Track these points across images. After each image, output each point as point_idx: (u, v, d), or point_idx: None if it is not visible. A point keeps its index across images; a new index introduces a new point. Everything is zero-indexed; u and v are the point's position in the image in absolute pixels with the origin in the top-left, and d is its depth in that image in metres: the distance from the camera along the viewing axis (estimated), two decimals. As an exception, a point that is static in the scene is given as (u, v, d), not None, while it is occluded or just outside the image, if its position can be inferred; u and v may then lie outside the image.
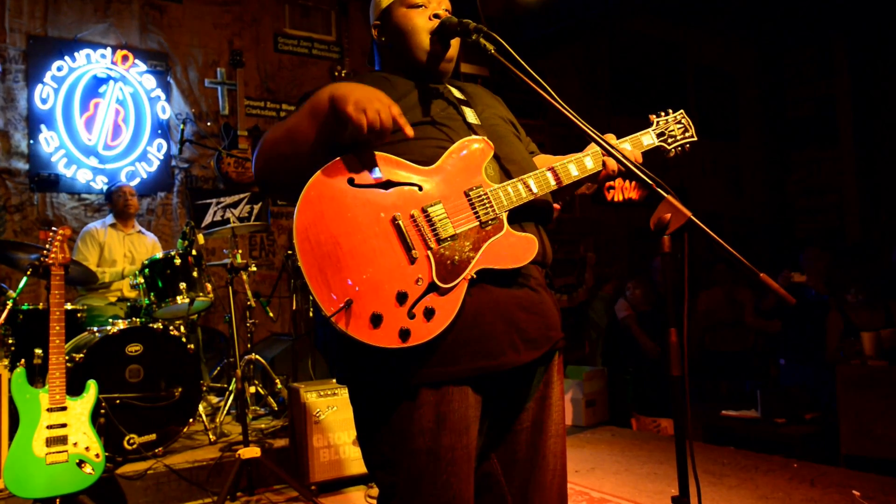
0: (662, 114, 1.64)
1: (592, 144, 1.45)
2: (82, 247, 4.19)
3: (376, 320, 1.15)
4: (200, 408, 3.57)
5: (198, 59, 5.42)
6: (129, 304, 3.99)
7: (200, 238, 3.83)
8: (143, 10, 5.20)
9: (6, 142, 4.66)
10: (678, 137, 1.63)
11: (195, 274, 3.72)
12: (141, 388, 3.25)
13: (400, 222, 1.21)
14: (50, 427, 2.60)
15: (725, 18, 7.97)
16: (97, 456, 2.68)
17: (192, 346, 3.51)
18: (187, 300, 3.64)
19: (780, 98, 8.89)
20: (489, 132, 1.40)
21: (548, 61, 6.74)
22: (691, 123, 1.66)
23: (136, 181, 4.99)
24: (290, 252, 4.50)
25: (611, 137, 1.51)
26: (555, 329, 1.37)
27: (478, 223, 1.27)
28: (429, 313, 1.18)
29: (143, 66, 5.12)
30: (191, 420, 3.41)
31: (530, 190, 1.34)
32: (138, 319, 3.54)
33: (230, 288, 3.47)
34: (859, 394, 3.94)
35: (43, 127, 4.73)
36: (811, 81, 8.58)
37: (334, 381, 3.41)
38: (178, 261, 3.68)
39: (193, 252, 3.77)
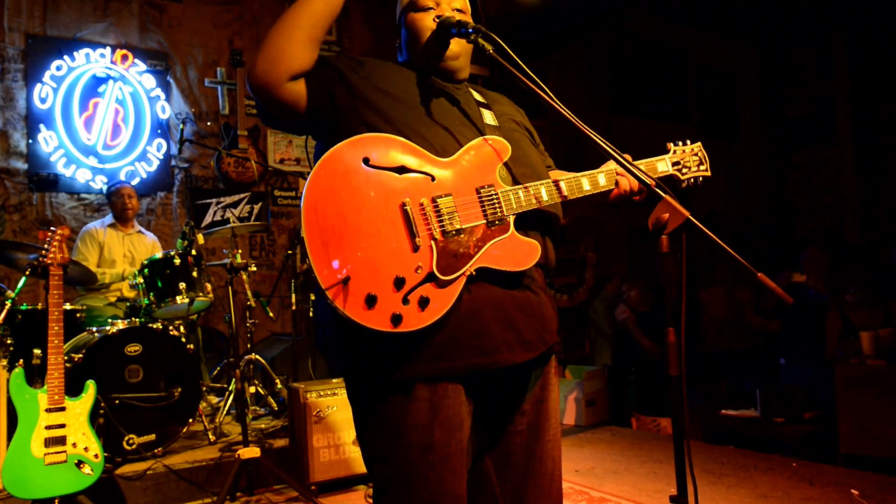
0: (680, 143, 1.66)
1: (610, 162, 1.45)
2: (82, 247, 4.19)
3: (370, 301, 1.15)
4: (200, 408, 3.57)
5: (198, 59, 5.42)
6: (128, 304, 3.99)
7: (200, 238, 3.83)
8: (143, 9, 5.20)
9: (5, 141, 4.65)
10: (693, 169, 1.64)
11: (195, 274, 3.72)
12: (140, 388, 3.25)
13: (408, 208, 1.22)
14: (49, 427, 2.60)
15: (725, 18, 7.97)
16: (96, 456, 2.68)
17: (192, 346, 3.51)
18: (187, 300, 3.63)
19: (780, 98, 8.89)
20: (505, 136, 1.41)
21: (548, 61, 6.74)
22: (707, 158, 1.67)
23: (136, 181, 4.99)
24: (290, 252, 4.50)
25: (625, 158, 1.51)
26: (550, 332, 1.38)
27: (485, 222, 1.28)
28: (423, 302, 1.19)
29: (142, 66, 5.12)
30: (190, 420, 3.41)
31: (541, 197, 1.35)
32: (138, 319, 3.54)
33: (230, 288, 3.47)
34: (858, 393, 3.95)
35: (42, 126, 4.73)
36: (811, 81, 8.58)
37: (334, 381, 3.42)
38: (177, 261, 3.68)
39: (193, 252, 3.76)
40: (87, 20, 4.98)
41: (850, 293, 4.64)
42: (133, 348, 3.28)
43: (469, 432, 1.30)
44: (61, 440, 2.61)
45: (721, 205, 8.27)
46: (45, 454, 2.57)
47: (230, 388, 3.92)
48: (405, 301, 1.18)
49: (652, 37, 7.90)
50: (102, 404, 3.04)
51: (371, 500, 3.10)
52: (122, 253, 4.28)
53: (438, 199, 1.25)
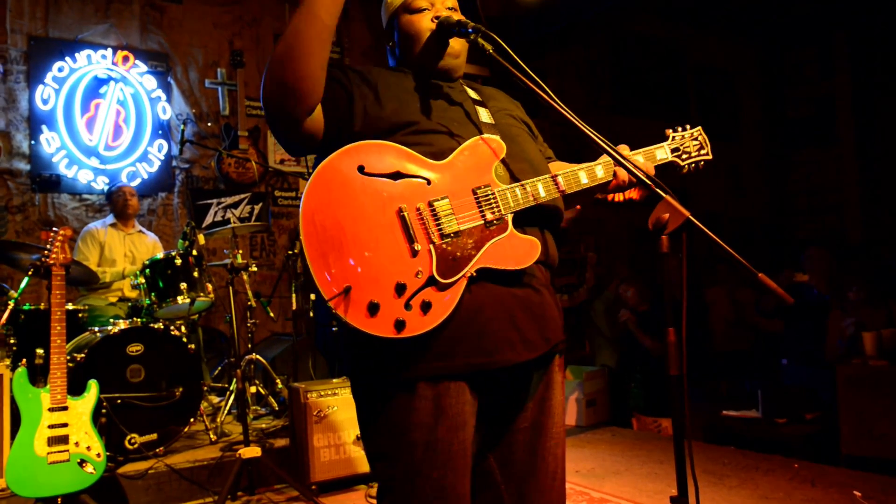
0: (679, 129, 1.63)
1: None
2: (83, 247, 4.20)
3: (373, 309, 1.16)
4: (201, 407, 3.58)
5: (198, 60, 5.42)
6: (129, 304, 3.99)
7: (201, 238, 3.83)
8: (144, 10, 5.20)
9: (8, 143, 4.66)
10: (693, 154, 1.62)
11: (196, 274, 3.73)
12: (142, 387, 3.26)
13: (405, 214, 1.22)
14: (51, 427, 2.61)
15: (725, 18, 7.97)
16: (98, 455, 2.69)
17: (193, 346, 3.51)
18: (188, 300, 3.64)
19: (780, 98, 8.89)
20: (503, 132, 1.41)
21: (548, 61, 6.74)
22: (707, 141, 1.64)
23: (137, 181, 4.99)
24: (290, 252, 4.50)
25: (624, 148, 1.50)
26: (554, 331, 1.37)
27: (482, 222, 1.28)
28: (425, 307, 1.19)
29: (143, 67, 5.13)
30: (192, 420, 3.42)
31: (538, 193, 1.34)
32: (139, 319, 3.55)
33: (231, 288, 3.47)
34: (860, 394, 3.94)
35: (44, 128, 4.74)
36: (811, 81, 8.57)
37: (335, 381, 3.42)
38: (178, 261, 3.69)
39: (194, 252, 3.77)
40: (88, 22, 5.00)
41: (853, 293, 4.63)
42: (135, 348, 3.29)
43: (473, 431, 1.30)
44: (64, 439, 2.62)
45: (721, 205, 8.27)
46: (48, 453, 2.57)
47: (231, 388, 3.92)
48: (407, 307, 1.18)
49: (652, 37, 7.90)
50: (104, 404, 3.05)
51: (372, 500, 3.10)
52: (123, 252, 4.29)
53: (435, 203, 1.25)
